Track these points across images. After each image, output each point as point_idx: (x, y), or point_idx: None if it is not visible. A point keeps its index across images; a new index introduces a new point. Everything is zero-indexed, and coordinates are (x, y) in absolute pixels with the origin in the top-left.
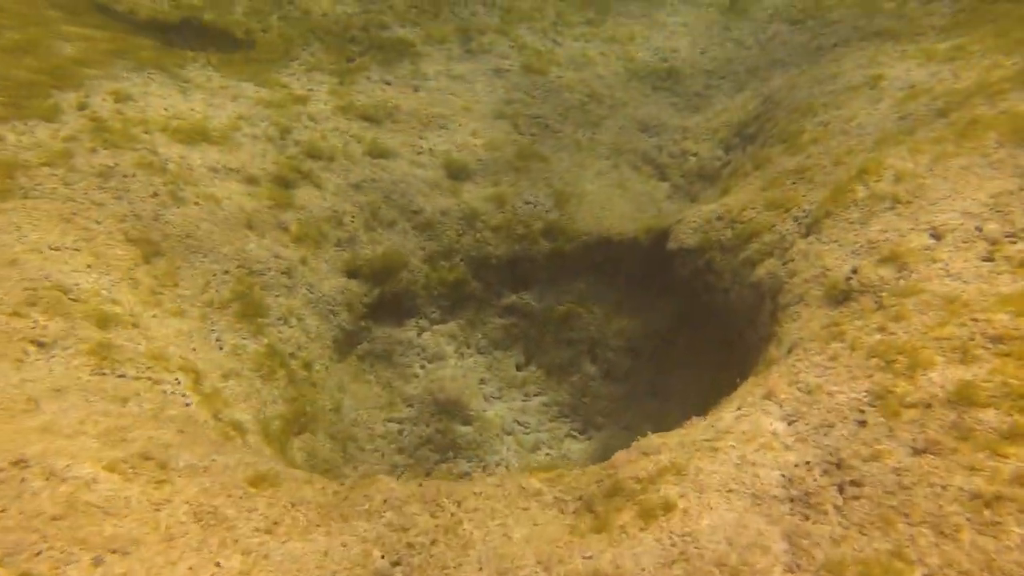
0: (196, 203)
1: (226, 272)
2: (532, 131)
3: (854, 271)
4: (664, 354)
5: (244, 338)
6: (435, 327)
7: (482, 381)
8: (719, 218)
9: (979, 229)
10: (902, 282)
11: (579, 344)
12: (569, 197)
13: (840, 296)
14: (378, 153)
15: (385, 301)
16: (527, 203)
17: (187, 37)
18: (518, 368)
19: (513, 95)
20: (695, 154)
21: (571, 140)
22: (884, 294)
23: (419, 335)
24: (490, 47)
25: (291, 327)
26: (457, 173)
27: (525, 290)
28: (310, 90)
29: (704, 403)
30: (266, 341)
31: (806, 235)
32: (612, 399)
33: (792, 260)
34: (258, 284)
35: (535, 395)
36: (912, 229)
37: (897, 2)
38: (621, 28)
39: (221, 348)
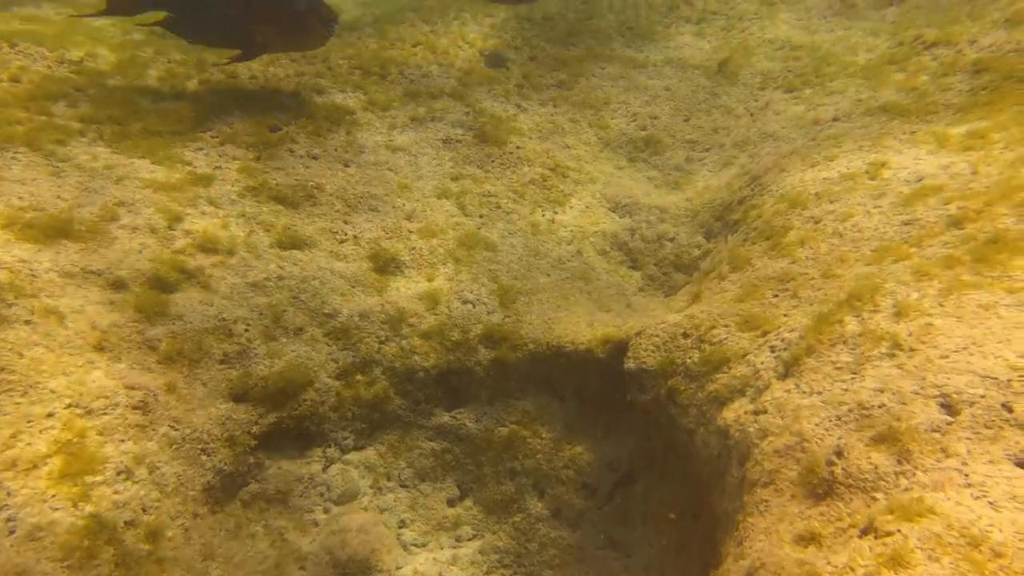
0: (27, 322)
1: (49, 415)
2: (481, 212)
3: (838, 453)
4: (624, 495)
5: (54, 509)
6: (347, 456)
7: (402, 523)
8: (685, 335)
9: (1008, 408)
10: (903, 482)
11: (524, 476)
12: (518, 294)
13: (820, 487)
14: (289, 243)
15: (284, 428)
16: (466, 302)
17: (83, 106)
18: (450, 504)
19: (463, 170)
20: (672, 239)
21: (527, 223)
22: (878, 497)
23: (325, 468)
24: (442, 114)
25: (136, 482)
26: (385, 265)
27: (460, 408)
28: (217, 168)
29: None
30: (89, 510)
31: (783, 376)
32: (562, 547)
33: (765, 411)
34: (95, 428)
35: (469, 539)
36: (916, 394)
37: (908, 73)
38: (596, 91)
39: (13, 531)
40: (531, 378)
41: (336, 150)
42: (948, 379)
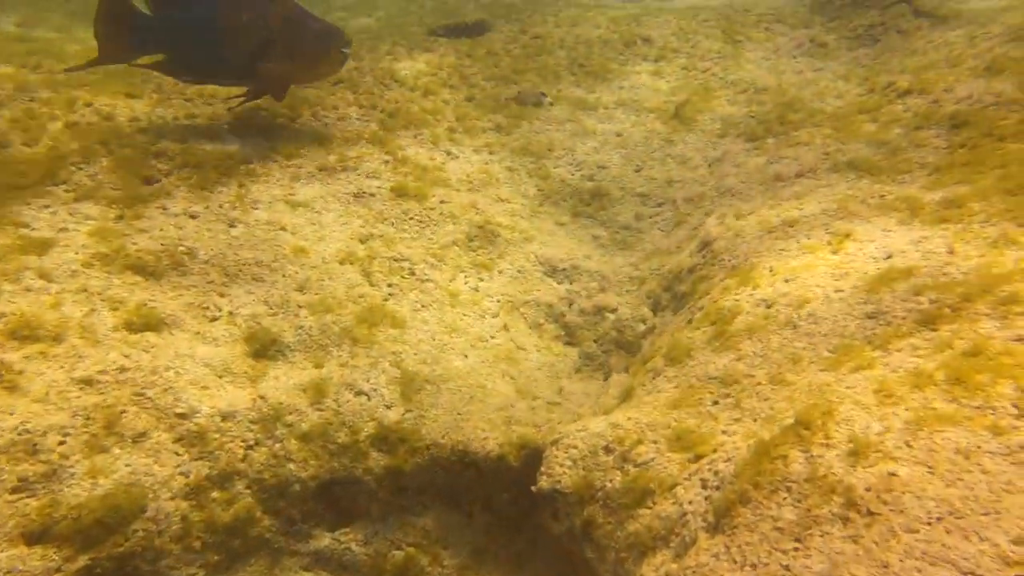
0: None
1: None
2: (391, 281)
3: None
4: None
5: None
6: None
7: None
8: (608, 448)
9: None
10: None
11: None
12: (424, 382)
13: None
14: (142, 324)
15: (102, 571)
16: (359, 393)
17: None
18: None
19: (374, 229)
20: (615, 311)
21: (445, 292)
22: None
23: None
24: (357, 162)
25: None
26: (264, 349)
27: (346, 527)
28: (62, 230)
29: None
30: None
31: (713, 529)
32: None
33: None
34: None
35: None
36: None
37: (879, 124)
38: (538, 136)
39: None
40: (433, 489)
41: (222, 207)
42: (922, 569)
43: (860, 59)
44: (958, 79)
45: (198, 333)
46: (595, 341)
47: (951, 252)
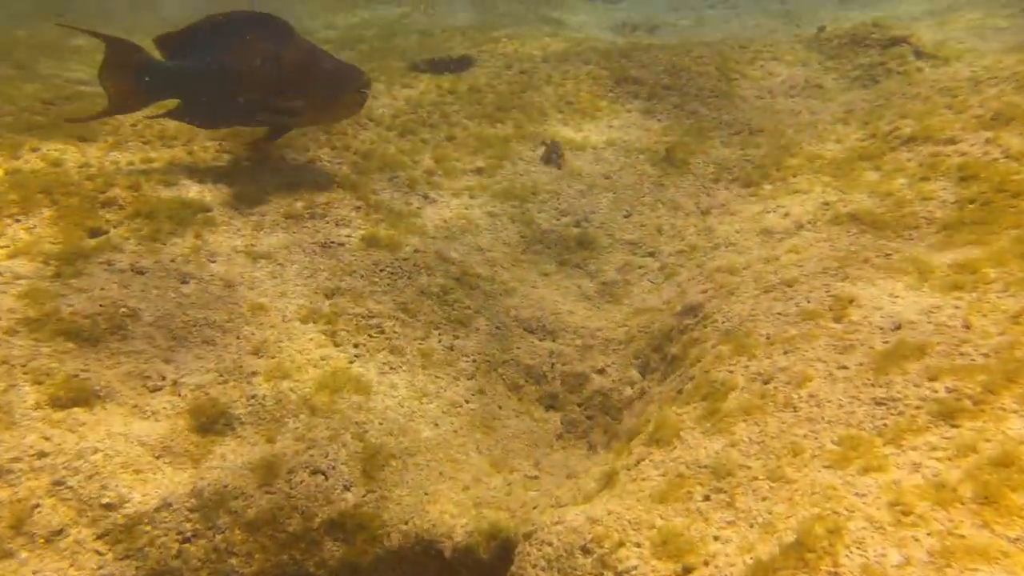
0: None
1: None
2: (357, 341)
3: None
4: None
5: None
6: None
7: None
8: (585, 549)
9: None
10: None
11: None
12: (389, 457)
13: None
14: (70, 399)
15: None
16: (316, 472)
17: None
18: None
19: (341, 283)
20: (601, 371)
21: (416, 352)
22: None
23: None
24: (326, 209)
25: None
26: (211, 423)
27: None
28: None
29: None
30: None
31: None
32: None
33: None
34: None
35: None
36: None
37: (882, 173)
38: (522, 179)
39: None
40: None
41: (174, 261)
42: None
43: (859, 101)
44: (964, 127)
45: (136, 407)
46: (579, 405)
47: (967, 327)
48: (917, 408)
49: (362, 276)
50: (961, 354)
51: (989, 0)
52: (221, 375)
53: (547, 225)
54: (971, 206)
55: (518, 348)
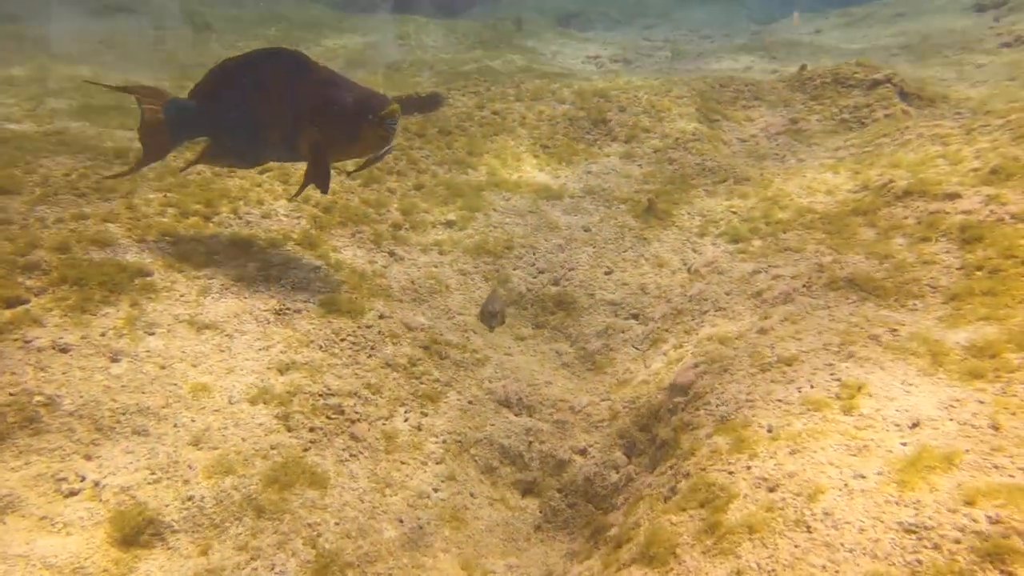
0: None
1: None
2: (313, 424)
3: None
4: None
5: None
6: None
7: None
8: None
9: None
10: None
11: None
12: (345, 567)
13: None
14: None
15: None
16: None
17: None
18: None
19: (297, 355)
20: (583, 451)
21: (379, 435)
22: None
23: None
24: (281, 270)
25: None
26: (135, 534)
27: None
28: None
29: None
30: None
31: None
32: None
33: None
34: None
35: None
36: None
37: (878, 231)
38: (496, 231)
39: None
40: None
41: (105, 335)
42: None
43: (847, 146)
44: (962, 182)
45: (44, 518)
46: (559, 491)
47: (996, 429)
48: (956, 543)
49: (321, 347)
50: (996, 467)
51: (963, 34)
52: (153, 472)
53: (523, 284)
54: (979, 273)
55: (492, 425)
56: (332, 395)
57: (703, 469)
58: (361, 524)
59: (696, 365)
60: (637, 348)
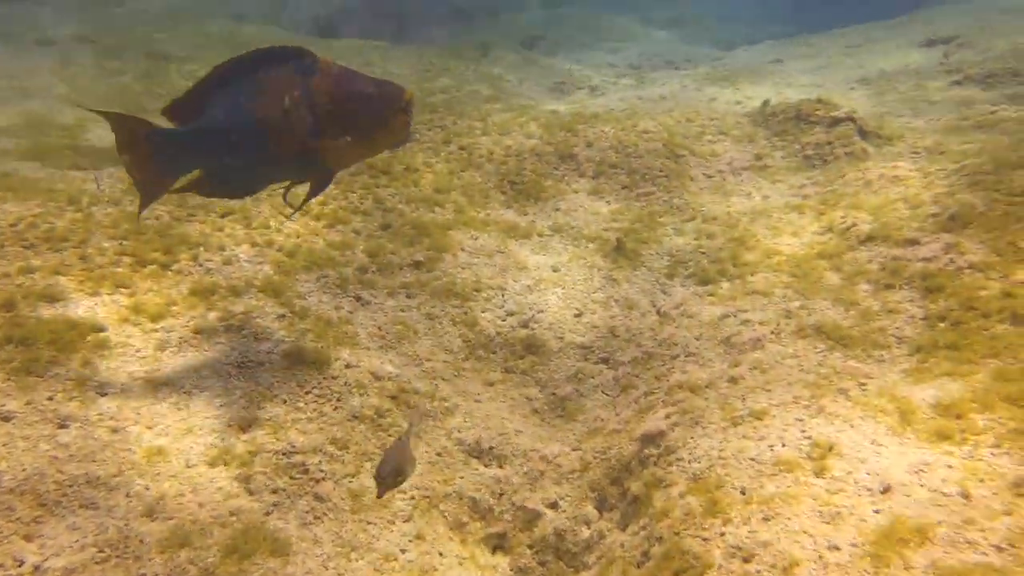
0: None
1: None
2: (276, 486)
3: None
4: None
5: None
6: None
7: None
8: None
9: None
10: None
11: None
12: None
13: None
14: None
15: None
16: None
17: None
18: None
19: (259, 411)
20: (554, 505)
21: (345, 494)
22: None
23: None
24: (244, 319)
25: None
26: None
27: None
28: None
29: None
30: None
31: None
32: None
33: None
34: None
35: None
36: None
37: (843, 276)
38: (464, 273)
39: None
40: None
41: (53, 399)
42: None
43: (811, 184)
44: (922, 228)
45: None
46: (530, 547)
47: (967, 498)
48: None
49: (284, 401)
50: (969, 543)
51: (917, 73)
52: (101, 551)
53: (492, 327)
54: (941, 325)
55: (461, 478)
56: (296, 452)
57: (677, 534)
58: None
59: (667, 416)
60: (607, 394)
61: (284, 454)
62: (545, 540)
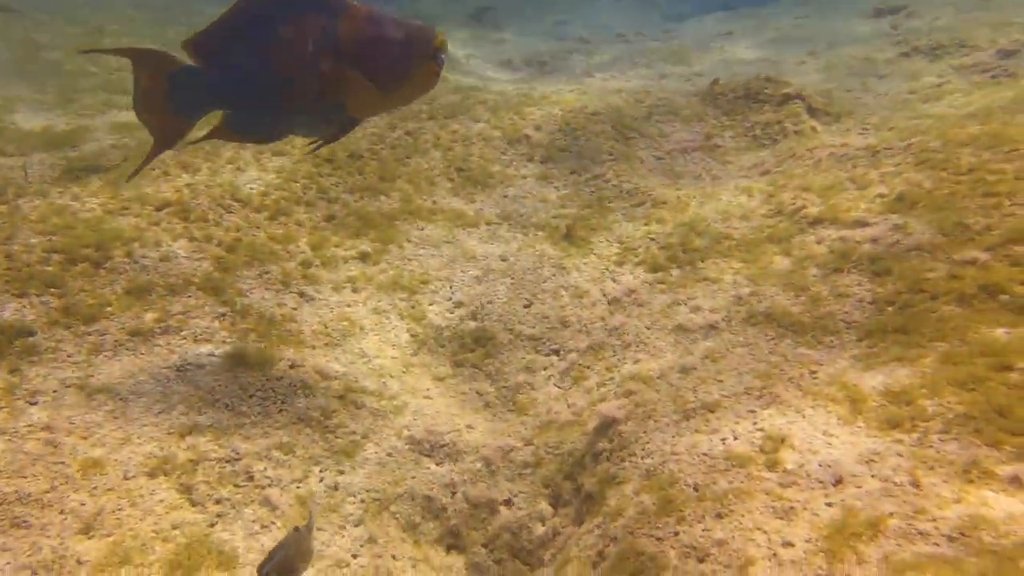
0: None
1: None
2: (220, 495)
3: None
4: None
5: None
6: None
7: None
8: None
9: None
10: None
11: None
12: None
13: None
14: None
15: None
16: None
17: None
18: None
19: (200, 418)
20: (508, 502)
21: (291, 500)
22: None
23: None
24: (182, 320)
25: None
26: None
27: None
28: None
29: None
30: None
31: None
32: None
33: None
34: None
35: None
36: None
37: (793, 260)
38: (411, 265)
39: None
40: None
41: None
42: None
43: (759, 164)
44: (870, 209)
45: None
46: (484, 545)
47: (917, 487)
48: None
49: (227, 406)
50: (921, 534)
51: (866, 42)
52: (35, 573)
53: (440, 320)
54: (890, 309)
55: (413, 478)
56: (240, 459)
57: (631, 533)
58: None
59: (620, 407)
60: (559, 386)
61: (228, 461)
62: (500, 537)
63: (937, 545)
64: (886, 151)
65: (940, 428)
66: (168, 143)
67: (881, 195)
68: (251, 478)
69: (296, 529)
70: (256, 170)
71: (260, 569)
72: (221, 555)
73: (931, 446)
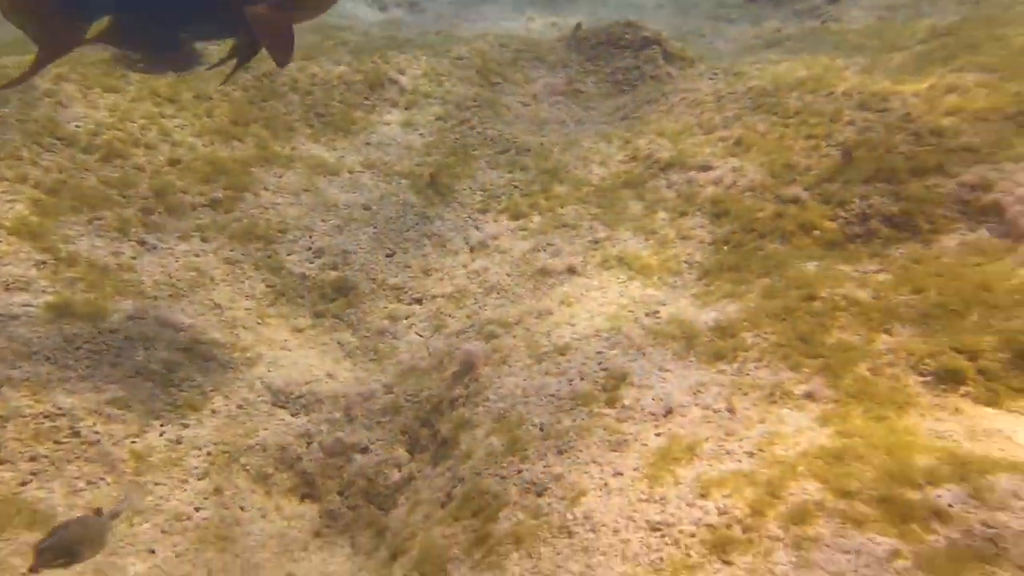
0: None
1: None
2: (36, 452)
3: None
4: None
5: None
6: None
7: None
8: None
9: None
10: None
11: None
12: None
13: None
14: None
15: None
16: None
17: None
18: None
19: (14, 371)
20: (364, 450)
21: (126, 453)
22: None
23: None
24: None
25: None
26: None
27: None
28: None
29: None
30: None
31: None
32: None
33: None
34: None
35: None
36: None
37: (645, 205)
38: (267, 213)
39: None
40: None
41: None
42: None
43: (619, 110)
44: (713, 153)
45: None
46: (339, 493)
47: (732, 412)
48: (691, 536)
49: (48, 359)
50: (728, 453)
51: None
52: None
53: (299, 269)
54: (725, 248)
55: (266, 429)
56: (62, 415)
57: (478, 474)
58: (98, 565)
59: (479, 353)
60: (421, 335)
61: (47, 417)
62: (355, 484)
63: (740, 462)
64: (730, 95)
65: (756, 357)
66: (55, 54)
67: (723, 139)
68: (76, 434)
69: (98, 511)
70: (83, 106)
71: (37, 545)
72: (34, 514)
73: (748, 374)
